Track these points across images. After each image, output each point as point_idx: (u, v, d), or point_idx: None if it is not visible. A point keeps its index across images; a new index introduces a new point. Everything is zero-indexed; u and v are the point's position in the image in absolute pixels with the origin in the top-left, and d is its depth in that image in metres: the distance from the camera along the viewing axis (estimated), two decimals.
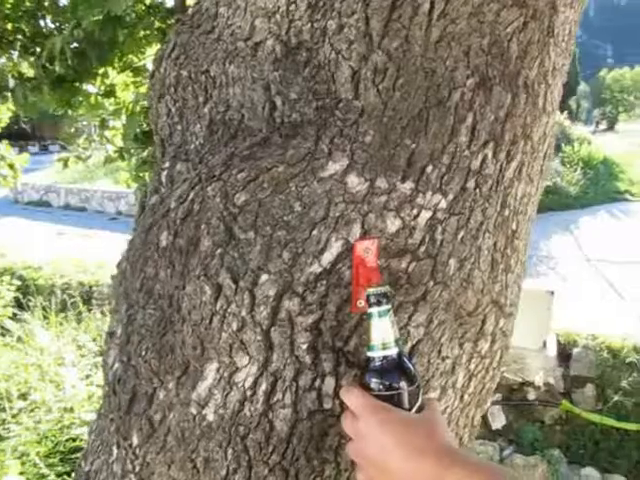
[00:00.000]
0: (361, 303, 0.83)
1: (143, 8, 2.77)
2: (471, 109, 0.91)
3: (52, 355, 5.20)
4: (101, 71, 2.92)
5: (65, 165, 3.70)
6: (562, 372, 5.87)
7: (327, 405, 0.86)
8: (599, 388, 5.65)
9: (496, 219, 0.96)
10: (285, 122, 0.94)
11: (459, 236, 0.90)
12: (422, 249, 0.87)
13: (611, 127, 38.13)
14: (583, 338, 5.96)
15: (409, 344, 0.90)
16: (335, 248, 0.83)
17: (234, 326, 0.84)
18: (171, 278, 0.95)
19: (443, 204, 0.88)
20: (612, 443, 5.41)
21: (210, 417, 0.88)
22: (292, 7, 0.97)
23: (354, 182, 0.85)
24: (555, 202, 11.99)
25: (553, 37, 1.02)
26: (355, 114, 0.90)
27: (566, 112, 18.78)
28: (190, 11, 1.22)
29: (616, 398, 5.31)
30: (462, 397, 1.06)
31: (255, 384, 0.85)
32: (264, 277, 0.83)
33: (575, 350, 5.91)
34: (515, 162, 0.97)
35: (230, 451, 0.87)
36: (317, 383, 0.85)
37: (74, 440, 4.04)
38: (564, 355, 5.91)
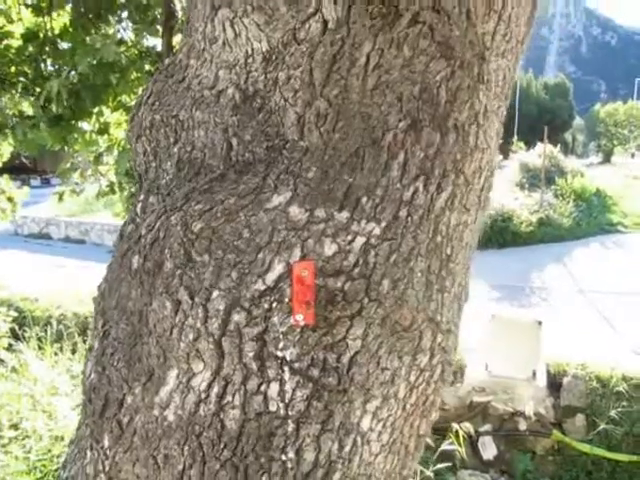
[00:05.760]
0: (300, 317, 0.95)
1: (136, 53, 2.96)
2: (402, 148, 1.05)
3: (45, 385, 5.25)
4: (96, 110, 3.10)
5: (60, 199, 3.86)
6: (552, 402, 5.91)
7: (272, 408, 0.98)
8: (589, 418, 5.68)
9: (428, 244, 1.09)
10: (240, 160, 1.08)
11: (392, 259, 1.03)
12: (356, 270, 0.99)
13: (607, 160, 38.56)
14: (573, 368, 6.00)
15: (347, 355, 1.02)
16: (278, 269, 0.96)
17: (190, 336, 0.97)
18: (141, 296, 1.08)
19: (377, 231, 1.01)
20: (604, 474, 5.43)
21: (170, 418, 1.00)
22: (250, 60, 1.12)
23: (295, 212, 0.98)
24: (548, 234, 12.16)
25: (484, 83, 1.16)
26: (300, 153, 1.04)
27: (559, 145, 19.10)
28: (166, 62, 1.37)
29: (605, 427, 5.34)
30: (404, 407, 1.17)
31: (209, 387, 0.97)
32: (215, 293, 0.95)
33: (565, 380, 5.95)
34: (445, 193, 1.10)
35: (187, 448, 0.99)
36: (263, 387, 0.97)
37: None
38: (554, 385, 5.95)
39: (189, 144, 1.16)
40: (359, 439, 1.10)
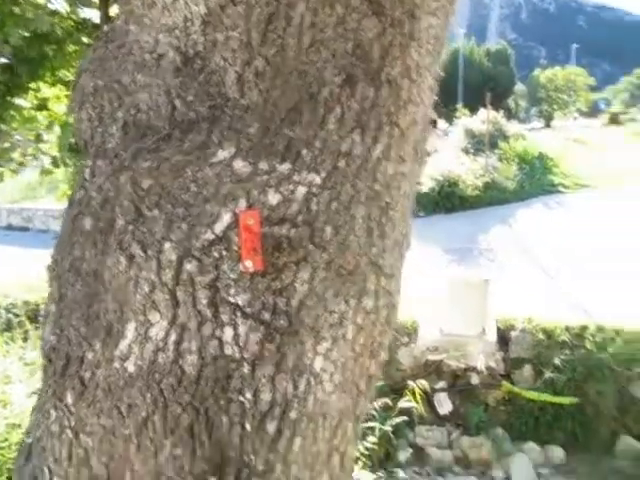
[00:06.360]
0: (249, 263, 1.01)
1: (71, 24, 2.90)
2: (339, 102, 1.11)
3: None
4: (33, 85, 3.03)
5: (0, 179, 3.77)
6: (502, 355, 6.19)
7: (228, 351, 1.04)
8: (536, 367, 5.99)
9: (367, 193, 1.16)
10: (184, 120, 1.12)
11: (333, 206, 1.09)
12: (300, 218, 1.06)
13: (548, 124, 39.64)
14: (520, 322, 6.29)
15: (296, 298, 1.08)
16: (225, 219, 1.01)
17: (146, 288, 1.01)
18: (95, 256, 1.11)
19: (317, 180, 1.08)
20: (549, 417, 5.74)
21: (131, 368, 1.05)
22: (189, 23, 1.16)
23: (239, 165, 1.04)
24: (494, 197, 12.53)
25: (415, 40, 1.22)
26: (241, 110, 1.09)
27: (502, 111, 19.52)
28: (105, 28, 1.38)
29: (550, 375, 5.64)
30: (354, 348, 1.25)
31: (166, 336, 1.03)
32: (167, 245, 1.00)
33: (513, 333, 6.24)
34: (381, 144, 1.17)
35: (148, 395, 1.04)
36: (218, 332, 1.03)
37: None
38: (503, 339, 6.22)
39: (134, 107, 1.19)
40: (312, 379, 1.17)
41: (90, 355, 1.09)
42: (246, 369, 1.07)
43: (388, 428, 4.31)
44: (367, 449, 4.17)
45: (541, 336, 6.14)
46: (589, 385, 5.65)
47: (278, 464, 1.17)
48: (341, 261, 1.13)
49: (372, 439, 4.25)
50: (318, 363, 1.18)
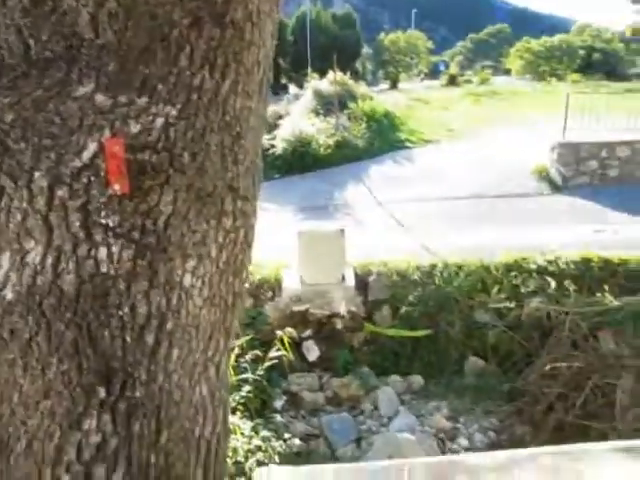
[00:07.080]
0: (116, 187, 1.12)
1: None
2: (188, 41, 1.23)
3: None
4: None
5: None
6: (362, 299, 6.65)
7: (104, 269, 1.15)
8: (393, 306, 6.53)
9: (219, 123, 1.30)
10: (40, 59, 1.18)
11: (189, 135, 1.23)
12: (160, 145, 1.18)
13: (394, 86, 41.61)
14: (376, 267, 6.78)
15: (162, 218, 1.21)
16: (92, 148, 1.11)
17: (18, 217, 1.09)
18: None
19: (173, 112, 1.20)
20: (409, 350, 6.32)
21: (9, 296, 1.12)
22: None
23: (101, 99, 1.13)
24: (346, 155, 13.06)
25: None
26: (97, 50, 1.17)
27: (350, 73, 20.18)
28: None
29: (405, 310, 6.20)
30: (218, 265, 1.40)
31: (43, 260, 1.11)
32: (37, 174, 1.08)
33: (371, 278, 6.72)
34: (229, 80, 1.31)
35: (30, 318, 1.12)
36: (93, 252, 1.14)
37: None
38: (362, 284, 6.68)
39: None
40: (183, 294, 1.32)
41: None
42: (122, 285, 1.18)
43: (260, 373, 4.53)
44: (243, 398, 4.38)
45: (396, 277, 6.68)
46: (440, 317, 6.28)
47: (160, 373, 1.31)
48: (200, 184, 1.27)
49: (247, 388, 4.46)
50: (187, 279, 1.32)
